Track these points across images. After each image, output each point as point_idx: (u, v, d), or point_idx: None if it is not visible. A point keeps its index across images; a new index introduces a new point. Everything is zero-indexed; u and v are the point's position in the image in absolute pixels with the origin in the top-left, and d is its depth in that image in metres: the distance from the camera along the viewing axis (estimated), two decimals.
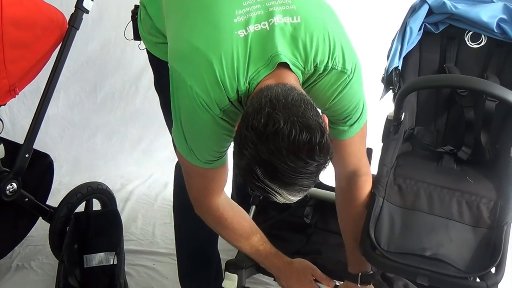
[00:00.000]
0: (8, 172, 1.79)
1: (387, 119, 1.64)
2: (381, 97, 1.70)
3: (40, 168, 1.96)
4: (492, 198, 1.45)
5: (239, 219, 1.50)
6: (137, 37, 1.65)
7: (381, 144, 1.63)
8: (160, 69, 1.53)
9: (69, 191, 2.03)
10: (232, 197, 2.40)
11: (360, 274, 1.53)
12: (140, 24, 1.60)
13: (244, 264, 1.59)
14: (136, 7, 1.64)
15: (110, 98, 3.08)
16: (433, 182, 1.49)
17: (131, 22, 1.66)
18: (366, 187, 1.50)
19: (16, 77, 1.73)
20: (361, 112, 1.38)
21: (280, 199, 1.13)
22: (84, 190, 2.05)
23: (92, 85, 3.08)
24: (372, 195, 1.46)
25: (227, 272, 1.58)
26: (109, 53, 3.05)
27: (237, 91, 1.23)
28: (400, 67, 1.70)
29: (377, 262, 1.38)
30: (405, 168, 1.55)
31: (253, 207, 1.66)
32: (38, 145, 1.89)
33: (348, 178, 1.50)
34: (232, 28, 1.23)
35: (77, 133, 2.99)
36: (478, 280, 1.33)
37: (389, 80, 1.68)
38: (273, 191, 1.10)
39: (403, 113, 1.57)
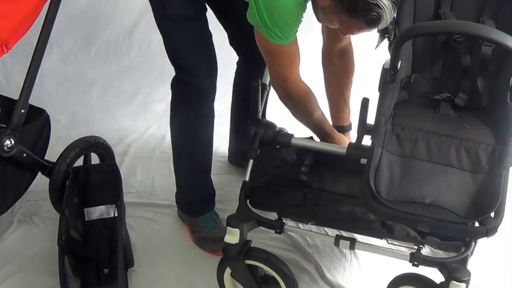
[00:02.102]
0: (5, 128, 1.79)
1: (383, 68, 1.62)
2: (377, 46, 1.69)
3: (36, 123, 1.95)
4: (490, 144, 1.45)
5: (305, 94, 1.74)
6: None
7: (378, 94, 1.62)
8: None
9: (66, 145, 2.03)
10: (229, 159, 2.44)
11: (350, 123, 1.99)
12: None
13: (245, 218, 1.61)
14: None
15: (104, 51, 3.05)
16: (431, 129, 1.50)
17: None
18: (352, 62, 1.95)
19: (7, 32, 1.71)
20: None
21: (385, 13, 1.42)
22: (82, 144, 2.05)
23: (85, 38, 3.04)
24: (371, 144, 1.47)
25: (228, 227, 1.60)
26: (101, 6, 3.00)
27: None
28: (395, 15, 1.68)
29: (378, 211, 1.39)
30: (402, 117, 1.55)
31: (251, 161, 1.67)
32: (33, 100, 1.88)
33: (339, 54, 1.92)
34: None
35: (72, 88, 2.97)
36: (477, 225, 1.35)
37: (384, 28, 1.66)
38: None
39: (400, 61, 1.56)
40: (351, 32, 1.56)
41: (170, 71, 1.91)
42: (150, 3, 1.82)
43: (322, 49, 1.96)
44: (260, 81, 1.73)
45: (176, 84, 1.91)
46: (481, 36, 1.46)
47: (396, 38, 1.56)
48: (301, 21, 1.60)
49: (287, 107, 1.76)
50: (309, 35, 1.94)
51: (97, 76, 3.01)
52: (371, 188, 1.38)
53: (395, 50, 1.48)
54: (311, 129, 1.79)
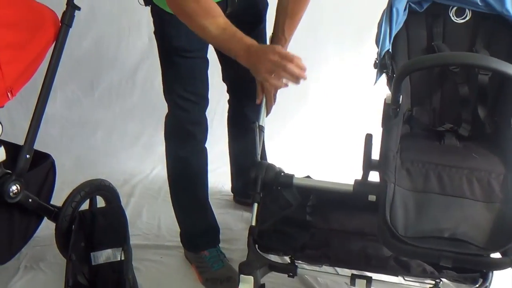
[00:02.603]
0: (11, 174, 1.80)
1: (385, 103, 1.63)
2: (375, 82, 1.70)
3: (42, 168, 1.96)
4: (501, 172, 1.45)
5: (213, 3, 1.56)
6: (147, 2, 1.81)
7: (381, 130, 1.63)
8: (164, 20, 1.76)
9: (72, 189, 2.03)
10: (234, 197, 2.44)
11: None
12: None
13: (258, 264, 1.59)
14: None
15: (107, 94, 3.08)
16: (440, 162, 1.49)
17: None
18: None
19: (12, 79, 1.73)
20: None
21: None
22: (87, 188, 2.05)
23: (89, 82, 3.08)
24: (382, 181, 1.46)
25: (242, 275, 1.56)
26: (103, 49, 3.04)
27: None
28: (390, 50, 1.70)
29: (398, 248, 1.37)
30: (410, 151, 1.55)
31: (256, 205, 1.66)
32: (38, 145, 1.89)
33: None
34: None
35: (77, 131, 2.99)
36: (500, 256, 1.33)
37: (383, 64, 1.67)
38: None
39: (401, 96, 1.57)
40: None
41: None
42: (155, 35, 1.87)
43: None
44: (257, 123, 1.74)
45: (169, 119, 1.96)
46: (478, 65, 1.47)
47: (396, 73, 1.57)
48: None
49: (176, 11, 1.59)
50: None
51: (101, 119, 3.03)
52: (388, 225, 1.36)
53: (396, 85, 1.49)
54: (212, 36, 1.56)
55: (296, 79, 1.51)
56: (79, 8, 1.89)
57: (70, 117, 3.02)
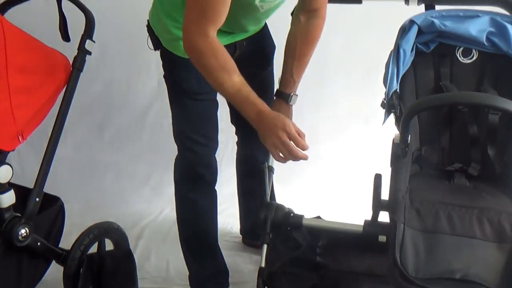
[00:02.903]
0: (20, 217, 1.79)
1: (393, 142, 1.63)
2: (384, 122, 1.71)
3: (51, 211, 1.96)
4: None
5: (225, 53, 1.57)
6: (156, 46, 1.85)
7: (390, 169, 1.62)
8: (174, 64, 1.79)
9: (81, 232, 2.02)
10: (243, 239, 2.42)
11: (291, 94, 1.85)
12: (158, 26, 1.81)
13: None
14: (149, 21, 1.86)
15: (117, 137, 3.10)
16: (450, 202, 1.47)
17: (148, 35, 1.86)
18: (318, 29, 1.83)
19: (23, 122, 1.75)
20: None
21: None
22: (96, 230, 2.04)
23: (99, 124, 3.10)
24: (392, 222, 1.44)
25: None
26: (113, 92, 3.08)
27: None
28: (398, 90, 1.71)
29: None
30: (419, 190, 1.54)
31: (265, 246, 1.65)
32: (48, 187, 1.89)
33: (308, 14, 1.80)
34: None
35: (86, 174, 3.00)
36: None
37: (390, 104, 1.68)
38: None
39: (409, 135, 1.57)
40: None
41: None
42: (164, 78, 1.88)
43: (295, 7, 1.86)
44: (266, 163, 1.75)
45: (179, 161, 1.96)
46: (488, 105, 1.47)
47: (404, 113, 1.57)
48: None
49: (195, 63, 1.60)
50: None
51: (111, 161, 3.04)
52: (398, 266, 1.34)
53: (404, 125, 1.49)
54: (227, 93, 1.59)
55: (297, 159, 1.57)
56: (90, 53, 1.92)
57: (80, 159, 3.03)
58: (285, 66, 1.86)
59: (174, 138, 1.94)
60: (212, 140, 1.93)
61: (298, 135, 1.57)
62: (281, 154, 1.56)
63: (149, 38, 1.85)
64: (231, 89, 1.56)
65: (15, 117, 1.71)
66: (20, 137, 1.75)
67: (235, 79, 1.56)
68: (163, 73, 1.88)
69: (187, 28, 1.56)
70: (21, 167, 2.83)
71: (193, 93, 1.82)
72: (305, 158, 1.57)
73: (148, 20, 1.86)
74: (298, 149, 1.56)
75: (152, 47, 1.85)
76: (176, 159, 1.98)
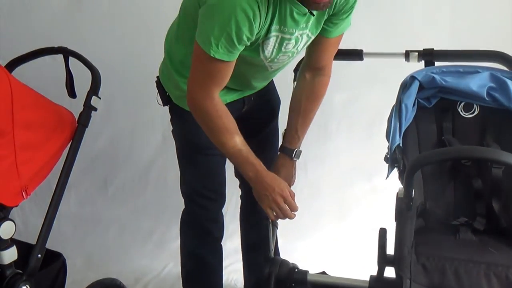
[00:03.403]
0: (21, 273, 1.77)
1: (397, 197, 1.63)
2: (387, 176, 1.71)
3: (53, 268, 1.94)
4: None
5: (228, 115, 1.63)
6: (165, 102, 1.87)
7: (394, 224, 1.61)
8: (184, 118, 1.78)
9: None
10: None
11: (296, 149, 1.84)
12: (168, 82, 1.84)
13: None
14: (158, 77, 1.88)
15: (121, 191, 3.10)
16: (457, 256, 1.45)
17: (158, 91, 1.88)
18: (324, 86, 1.84)
19: (28, 178, 1.75)
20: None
21: None
22: (98, 287, 2.01)
23: (103, 180, 3.11)
24: (398, 277, 1.43)
25: None
26: (118, 148, 3.10)
27: None
28: (401, 144, 1.72)
29: None
30: (425, 245, 1.52)
31: None
32: (50, 243, 1.88)
33: (314, 73, 1.81)
34: None
35: (89, 229, 2.98)
36: None
37: (394, 158, 1.69)
38: None
39: (413, 190, 1.57)
40: None
41: None
42: (173, 133, 1.90)
43: (301, 63, 1.89)
44: (269, 219, 1.74)
45: (186, 216, 1.96)
46: (491, 159, 1.48)
47: (407, 167, 1.57)
48: (252, 38, 1.53)
49: (199, 121, 1.65)
50: None
51: (114, 216, 3.03)
52: None
53: (408, 179, 1.49)
54: (228, 152, 1.65)
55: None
56: (96, 109, 1.94)
57: (83, 215, 3.02)
58: (290, 122, 1.87)
59: (182, 193, 1.94)
60: (220, 195, 1.92)
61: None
62: (274, 213, 1.66)
63: (158, 94, 1.88)
64: (232, 149, 1.63)
65: (20, 172, 1.72)
66: (24, 193, 1.75)
67: (237, 140, 1.63)
68: (167, 127, 1.90)
69: (192, 89, 1.61)
70: (24, 223, 2.82)
71: (203, 148, 1.81)
72: (293, 218, 1.68)
73: (157, 77, 1.89)
74: (292, 214, 1.67)
75: (161, 102, 1.87)
76: (183, 214, 1.97)
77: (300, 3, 1.52)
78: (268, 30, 1.56)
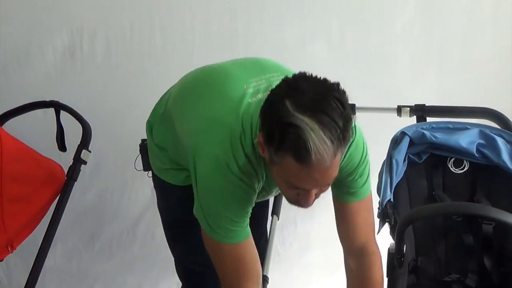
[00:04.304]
0: None
1: (389, 252, 1.62)
2: (378, 231, 1.70)
3: None
4: None
5: None
6: (146, 168, 1.77)
7: (386, 280, 1.60)
8: (166, 191, 1.70)
9: None
10: None
11: None
12: (150, 152, 1.72)
13: None
14: (143, 140, 1.78)
15: (108, 246, 3.04)
16: None
17: (140, 155, 1.79)
18: (376, 267, 1.53)
19: (14, 232, 1.74)
20: (367, 176, 1.49)
21: (314, 141, 1.12)
22: None
23: (90, 234, 3.06)
24: None
25: None
26: (106, 202, 3.06)
27: (252, 141, 1.33)
28: (392, 199, 1.73)
29: None
30: None
31: None
32: None
33: (356, 257, 1.55)
34: (243, 97, 1.39)
35: (75, 285, 2.91)
36: None
37: (385, 213, 1.69)
38: (306, 126, 1.12)
39: (405, 245, 1.57)
40: (296, 182, 1.25)
41: (173, 264, 1.90)
42: (158, 207, 1.81)
43: (342, 249, 1.64)
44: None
45: None
46: (481, 215, 1.49)
47: (398, 223, 1.58)
48: (246, 213, 1.39)
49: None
50: None
51: (100, 271, 2.97)
52: None
53: (399, 235, 1.50)
54: None
55: None
56: (85, 163, 1.94)
57: (69, 269, 2.96)
58: None
59: (178, 275, 1.85)
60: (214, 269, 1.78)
61: None
62: None
63: (139, 157, 1.79)
64: None
65: (6, 226, 1.70)
66: (9, 247, 1.72)
67: None
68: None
69: None
70: (8, 278, 2.75)
71: (188, 221, 1.64)
72: None
73: (142, 140, 1.80)
74: None
75: (141, 167, 1.78)
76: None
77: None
78: None
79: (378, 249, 1.57)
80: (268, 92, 1.27)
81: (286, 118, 1.14)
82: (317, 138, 1.13)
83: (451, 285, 1.61)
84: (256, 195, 1.41)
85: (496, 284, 1.60)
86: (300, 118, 1.13)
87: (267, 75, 1.48)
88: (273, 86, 1.33)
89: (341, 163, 1.37)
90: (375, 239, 1.57)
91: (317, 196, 1.31)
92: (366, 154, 1.49)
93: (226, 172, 1.32)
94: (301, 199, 1.30)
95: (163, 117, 1.64)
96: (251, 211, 1.40)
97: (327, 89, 1.19)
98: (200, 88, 1.53)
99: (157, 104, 1.74)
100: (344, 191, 1.51)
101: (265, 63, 1.57)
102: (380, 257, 1.55)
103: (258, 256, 1.46)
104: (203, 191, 1.37)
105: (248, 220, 1.41)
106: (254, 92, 1.41)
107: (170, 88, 1.72)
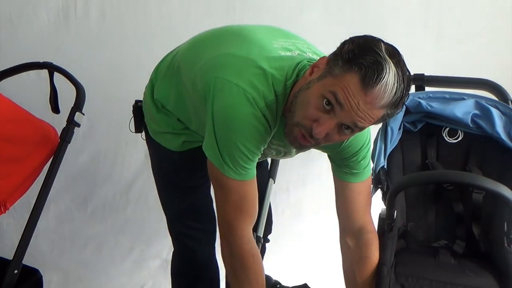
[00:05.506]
0: None
1: (379, 217, 1.65)
2: (371, 196, 1.72)
3: (29, 284, 1.90)
4: None
5: (261, 264, 1.49)
6: (138, 129, 1.76)
7: None
8: (161, 155, 1.68)
9: None
10: None
11: None
12: (146, 112, 1.70)
13: None
14: (137, 102, 1.76)
15: (101, 209, 3.06)
16: (435, 278, 1.49)
17: (133, 116, 1.76)
18: (374, 245, 1.55)
19: (7, 192, 1.74)
20: (369, 158, 1.51)
21: (387, 77, 1.18)
22: None
23: (83, 196, 3.07)
24: None
25: None
26: (99, 165, 3.07)
27: (285, 83, 1.34)
28: (385, 166, 1.74)
29: None
30: (404, 266, 1.54)
31: None
32: (27, 259, 1.85)
33: (355, 236, 1.58)
34: (272, 48, 1.40)
35: (67, 246, 2.94)
36: None
37: (377, 180, 1.71)
38: (389, 64, 1.19)
39: (395, 211, 1.59)
40: (340, 97, 1.22)
41: (166, 226, 1.91)
42: (152, 169, 1.79)
43: (339, 228, 1.66)
44: (255, 233, 1.73)
45: (175, 259, 1.86)
46: (471, 184, 1.51)
47: (390, 189, 1.60)
48: (258, 153, 1.40)
49: (225, 266, 1.51)
50: None
51: (93, 233, 2.99)
52: None
53: (390, 200, 1.52)
54: None
55: None
56: (79, 125, 1.93)
57: (61, 231, 2.98)
58: None
59: (169, 232, 1.83)
60: (210, 233, 1.78)
61: None
62: None
63: (132, 119, 1.77)
64: None
65: None
66: (2, 207, 1.73)
67: None
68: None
69: (224, 229, 1.46)
70: (0, 238, 2.77)
71: (184, 186, 1.71)
72: None
73: (136, 101, 1.78)
74: None
75: (133, 129, 1.76)
76: (172, 255, 1.86)
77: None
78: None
79: (375, 229, 1.60)
80: (300, 52, 1.36)
81: (375, 48, 1.20)
82: (390, 78, 1.19)
83: (438, 251, 1.64)
84: (270, 138, 1.41)
85: (482, 252, 1.63)
86: (387, 57, 1.20)
87: (292, 40, 1.49)
88: (304, 51, 1.41)
89: (345, 142, 1.42)
90: (372, 218, 1.59)
91: (328, 136, 1.29)
92: (370, 138, 1.51)
93: (252, 105, 1.31)
94: (317, 126, 1.26)
95: (168, 71, 1.62)
96: (260, 155, 1.41)
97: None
98: (222, 37, 1.51)
99: (161, 62, 1.72)
100: (347, 171, 1.52)
101: (285, 31, 1.58)
102: (377, 236, 1.57)
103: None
104: (223, 124, 1.34)
105: (256, 163, 1.42)
106: (283, 48, 1.42)
107: (177, 47, 1.69)
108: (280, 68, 1.35)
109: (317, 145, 1.37)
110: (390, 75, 1.19)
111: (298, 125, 1.31)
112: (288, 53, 1.41)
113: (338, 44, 1.29)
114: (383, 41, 1.24)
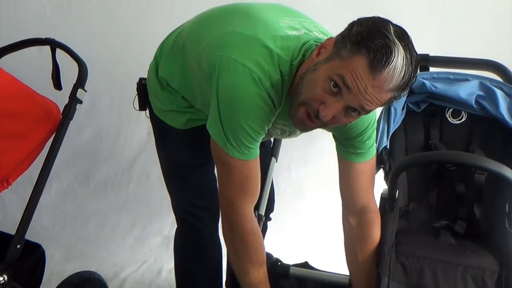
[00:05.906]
0: None
1: (381, 197, 1.65)
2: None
3: (31, 259, 1.92)
4: (495, 270, 1.45)
5: (262, 242, 1.50)
6: (142, 107, 1.75)
7: None
8: (166, 133, 1.67)
9: (60, 281, 1.98)
10: None
11: None
12: (150, 89, 1.70)
13: None
14: (141, 79, 1.74)
15: (103, 186, 3.08)
16: (435, 257, 1.49)
17: (137, 94, 1.75)
18: (376, 224, 1.56)
19: (9, 168, 1.74)
20: (374, 139, 1.52)
21: (395, 60, 1.17)
22: (76, 280, 2.00)
23: (85, 173, 3.09)
24: (377, 275, 1.45)
25: None
26: (101, 142, 3.08)
27: (291, 63, 1.33)
28: (388, 146, 1.74)
29: None
30: (405, 245, 1.55)
31: None
32: (29, 234, 1.86)
33: (357, 215, 1.58)
34: (278, 27, 1.40)
35: (69, 222, 2.96)
36: None
37: (380, 159, 1.71)
38: (398, 47, 1.18)
39: (397, 191, 1.60)
40: (347, 80, 1.21)
41: (168, 204, 1.92)
42: (156, 147, 1.79)
43: (342, 206, 1.67)
44: (256, 212, 1.73)
45: (179, 236, 1.85)
46: (474, 165, 1.51)
47: (393, 169, 1.60)
48: (263, 133, 1.39)
49: (226, 244, 1.53)
50: None
51: (95, 210, 3.01)
52: None
53: (392, 180, 1.52)
54: (246, 282, 1.51)
55: None
56: (81, 102, 1.93)
57: (63, 207, 3.00)
58: (354, 278, 1.63)
59: (173, 209, 1.83)
60: (213, 211, 1.75)
61: None
62: None
63: (136, 98, 1.76)
64: (253, 280, 1.51)
65: (1, 162, 1.71)
66: (5, 183, 1.73)
67: (261, 273, 1.51)
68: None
69: (226, 206, 1.47)
70: (3, 213, 2.79)
71: (189, 164, 1.71)
72: None
73: (141, 79, 1.76)
74: None
75: (137, 107, 1.76)
76: (176, 232, 1.85)
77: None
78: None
79: (378, 208, 1.60)
80: (306, 31, 1.36)
81: (383, 30, 1.19)
82: (398, 61, 1.18)
83: (439, 231, 1.64)
84: (274, 118, 1.41)
85: (483, 232, 1.64)
86: (396, 40, 1.19)
87: (299, 18, 1.48)
88: (310, 30, 1.40)
89: (351, 123, 1.41)
90: (375, 198, 1.60)
91: (334, 118, 1.28)
92: (375, 119, 1.51)
93: (257, 85, 1.31)
94: (323, 108, 1.26)
95: (172, 48, 1.60)
96: (264, 135, 1.41)
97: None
98: (228, 15, 1.50)
99: (165, 39, 1.70)
100: (352, 151, 1.52)
101: (292, 9, 1.57)
102: (379, 216, 1.58)
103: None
104: (228, 103, 1.34)
105: (259, 143, 1.42)
106: (290, 27, 1.41)
107: (182, 24, 1.67)
108: (286, 48, 1.35)
109: (323, 127, 1.38)
110: (398, 59, 1.18)
111: (305, 104, 1.30)
112: (295, 32, 1.40)
113: (344, 25, 1.28)
114: (392, 23, 1.23)
